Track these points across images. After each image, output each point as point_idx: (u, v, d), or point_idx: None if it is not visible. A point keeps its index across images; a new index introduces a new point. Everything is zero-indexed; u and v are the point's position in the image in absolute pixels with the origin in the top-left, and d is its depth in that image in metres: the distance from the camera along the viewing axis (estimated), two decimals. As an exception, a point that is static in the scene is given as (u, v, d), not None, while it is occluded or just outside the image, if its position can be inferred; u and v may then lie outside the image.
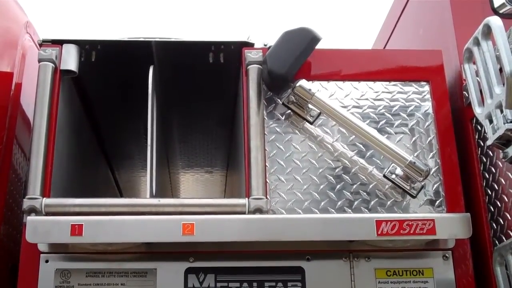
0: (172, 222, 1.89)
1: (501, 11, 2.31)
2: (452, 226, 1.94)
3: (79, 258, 1.99)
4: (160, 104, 2.44)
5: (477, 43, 1.94)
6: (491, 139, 1.87)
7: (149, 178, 2.09)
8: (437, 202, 2.11)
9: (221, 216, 1.93)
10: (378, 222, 1.91)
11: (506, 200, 1.98)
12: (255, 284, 1.98)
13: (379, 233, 1.90)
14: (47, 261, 1.98)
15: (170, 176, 3.55)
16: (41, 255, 1.98)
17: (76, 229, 1.85)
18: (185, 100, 2.74)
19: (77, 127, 2.51)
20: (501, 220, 2.00)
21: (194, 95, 2.70)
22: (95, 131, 2.86)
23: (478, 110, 1.98)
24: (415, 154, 2.14)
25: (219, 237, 1.89)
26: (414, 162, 2.03)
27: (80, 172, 2.57)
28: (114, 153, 3.14)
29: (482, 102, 1.97)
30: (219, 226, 1.90)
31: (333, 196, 2.09)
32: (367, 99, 2.23)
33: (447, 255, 2.05)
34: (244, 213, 1.99)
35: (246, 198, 2.01)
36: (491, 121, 1.88)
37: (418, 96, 2.24)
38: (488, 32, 1.89)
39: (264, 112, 2.18)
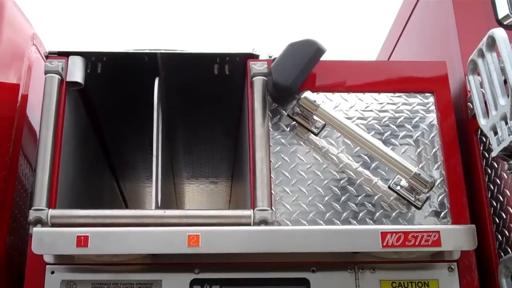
0: (178, 233, 1.89)
1: (505, 23, 2.32)
2: (457, 238, 1.94)
3: (84, 269, 1.99)
4: (165, 115, 2.45)
5: (481, 54, 1.95)
6: (495, 150, 1.88)
7: (154, 189, 2.09)
8: (442, 213, 2.11)
9: (227, 228, 1.94)
10: (383, 234, 1.91)
11: (511, 211, 1.98)
12: (260, 296, 1.98)
13: (384, 244, 1.90)
14: (52, 272, 1.98)
15: (175, 187, 3.55)
16: (47, 266, 1.99)
17: (82, 241, 1.86)
18: (190, 112, 2.75)
19: (82, 138, 2.52)
20: (506, 232, 2.00)
21: (199, 107, 2.70)
22: (100, 142, 2.87)
23: (482, 122, 1.99)
24: (420, 166, 2.14)
25: (225, 248, 1.90)
26: (419, 174, 2.03)
27: (86, 183, 2.58)
28: (119, 163, 3.15)
29: (486, 113, 1.97)
30: (224, 237, 1.90)
31: (338, 207, 2.09)
32: (371, 110, 2.24)
33: (452, 266, 2.05)
34: (249, 224, 1.99)
35: (251, 210, 2.02)
36: (495, 133, 1.89)
37: (423, 108, 2.25)
38: (492, 44, 1.90)
39: (269, 123, 2.18)
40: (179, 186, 3.60)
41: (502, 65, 1.85)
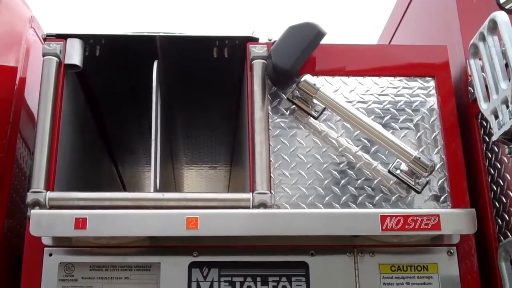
0: (176, 216, 1.88)
1: (506, 7, 2.29)
2: (457, 221, 1.93)
3: (83, 252, 1.98)
4: (164, 99, 2.43)
5: (482, 38, 1.94)
6: (496, 134, 1.87)
7: (153, 173, 2.08)
8: (442, 197, 2.10)
9: (226, 211, 1.93)
10: (383, 217, 1.90)
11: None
12: (258, 279, 1.97)
13: (383, 228, 1.89)
14: (50, 255, 1.98)
15: (174, 172, 3.55)
16: (45, 248, 1.98)
17: (80, 223, 1.85)
18: (189, 95, 2.73)
19: (81, 121, 2.50)
20: (506, 216, 1.99)
21: (198, 90, 2.69)
22: (99, 126, 2.86)
23: (483, 106, 1.98)
24: (420, 150, 2.13)
25: (223, 231, 1.89)
26: (419, 158, 2.02)
27: (84, 167, 2.57)
28: (118, 148, 3.14)
29: (487, 97, 1.96)
30: (223, 220, 1.89)
31: (338, 191, 2.08)
32: (372, 94, 2.23)
33: (451, 250, 2.04)
34: (248, 207, 1.98)
35: (251, 193, 2.01)
36: (496, 117, 1.88)
37: (423, 92, 2.24)
38: (494, 27, 1.88)
39: (269, 107, 2.17)
40: (178, 171, 3.59)
41: (503, 48, 1.84)
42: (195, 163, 3.53)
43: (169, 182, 3.53)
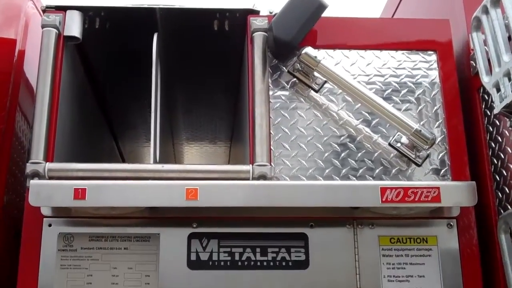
0: (176, 187, 1.87)
1: (510, -20, 2.27)
2: (457, 194, 1.93)
3: (82, 223, 1.98)
4: (164, 72, 2.42)
5: (485, 11, 1.92)
6: (498, 107, 1.86)
7: (152, 144, 2.07)
8: (442, 171, 2.09)
9: (225, 182, 1.92)
10: (383, 189, 1.89)
11: (512, 168, 1.97)
12: (258, 250, 1.98)
13: (383, 200, 1.89)
14: (50, 225, 1.98)
15: (174, 148, 3.54)
16: (44, 219, 1.98)
17: (79, 193, 1.84)
18: (189, 69, 2.72)
19: (80, 94, 2.49)
20: (506, 189, 1.99)
21: (198, 64, 2.67)
22: (98, 100, 2.85)
23: (485, 79, 1.96)
24: (421, 123, 2.12)
25: (223, 202, 1.88)
26: (420, 130, 2.02)
27: (84, 140, 2.57)
28: (118, 122, 3.13)
29: (490, 71, 1.95)
30: (223, 191, 1.89)
31: (338, 164, 2.08)
32: (373, 67, 2.21)
33: (451, 223, 2.04)
34: (248, 179, 1.98)
35: (250, 165, 2.00)
36: (498, 90, 1.87)
37: (425, 65, 2.22)
38: (497, 0, 1.86)
39: (269, 79, 2.16)
40: (178, 147, 3.59)
41: (506, 21, 1.83)
42: (195, 139, 3.52)
43: (169, 158, 3.53)
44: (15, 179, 2.31)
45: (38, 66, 2.12)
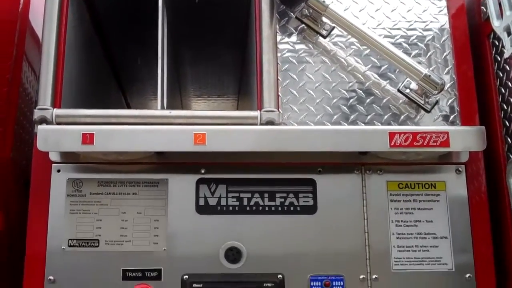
0: (184, 132, 1.87)
1: None
2: (466, 138, 1.91)
3: (90, 168, 1.99)
4: (170, 26, 2.39)
5: (497, -47, 1.89)
6: (508, 51, 1.85)
7: (160, 90, 2.06)
8: (452, 117, 2.08)
9: (233, 127, 1.91)
10: (391, 134, 1.89)
11: (522, 114, 1.96)
12: (266, 195, 1.98)
13: (392, 144, 1.88)
14: (58, 171, 1.98)
15: (182, 103, 3.53)
16: (53, 165, 1.98)
17: (87, 138, 1.84)
18: (196, 22, 2.68)
19: (87, 45, 2.47)
20: (516, 135, 1.98)
21: (205, 17, 2.64)
22: (105, 52, 2.83)
23: (496, 23, 1.95)
24: (430, 69, 2.10)
25: (231, 147, 1.88)
26: (429, 75, 2.00)
27: (91, 92, 2.56)
28: (125, 75, 3.11)
29: (500, 15, 1.92)
30: (230, 136, 1.88)
31: (346, 110, 2.07)
32: (382, 13, 2.18)
33: (460, 169, 2.04)
34: (256, 125, 1.97)
35: (258, 111, 1.99)
36: (509, 34, 1.85)
37: (435, 11, 2.19)
38: None
39: (277, 26, 2.14)
40: (185, 103, 3.58)
41: (518, -37, 1.80)
42: (203, 95, 3.51)
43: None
44: (23, 130, 2.31)
45: (44, 14, 2.11)
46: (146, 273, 1.92)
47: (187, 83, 3.34)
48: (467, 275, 1.96)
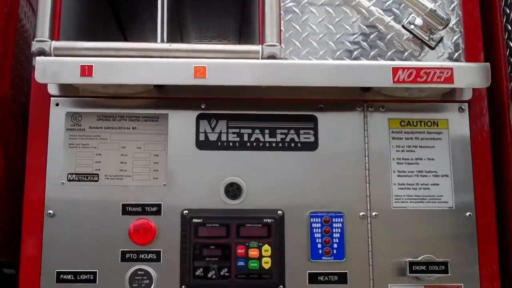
0: (184, 65, 1.84)
1: None
2: (470, 75, 1.88)
3: (90, 102, 1.96)
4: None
5: None
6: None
7: (159, 23, 2.03)
8: (456, 54, 2.04)
9: (234, 60, 1.88)
10: (395, 69, 1.86)
11: (528, 51, 1.92)
12: (267, 131, 1.96)
13: (395, 80, 1.85)
14: (57, 105, 1.96)
15: (183, 45, 3.47)
16: (52, 98, 1.96)
17: (86, 70, 1.82)
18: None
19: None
20: (521, 72, 1.95)
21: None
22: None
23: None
24: (436, 5, 2.05)
25: (232, 81, 1.85)
26: (435, 10, 1.95)
27: (90, 30, 2.51)
28: (125, 16, 3.06)
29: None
30: (231, 69, 1.85)
31: (349, 45, 2.03)
32: None
33: (463, 107, 2.01)
34: (257, 59, 1.94)
35: (260, 45, 1.95)
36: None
37: None
38: None
39: (279, -42, 2.08)
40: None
41: None
42: (204, 37, 3.46)
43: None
44: (21, 67, 2.28)
45: None
46: (146, 208, 1.92)
47: (188, 26, 3.29)
48: (467, 214, 1.96)
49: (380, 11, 2.06)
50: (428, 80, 1.86)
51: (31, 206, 1.91)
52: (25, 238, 1.89)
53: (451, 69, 1.87)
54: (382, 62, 1.98)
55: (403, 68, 1.86)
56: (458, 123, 2.01)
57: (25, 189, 1.92)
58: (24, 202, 1.91)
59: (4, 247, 2.07)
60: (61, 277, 1.87)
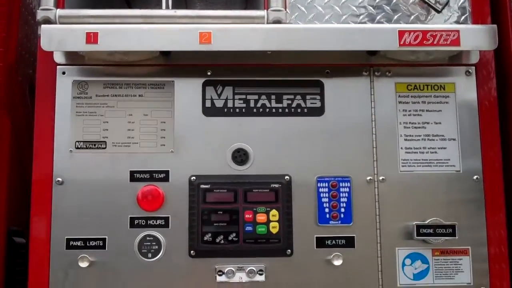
0: (189, 30, 1.83)
1: None
2: (477, 37, 1.87)
3: (96, 70, 1.97)
4: None
5: None
6: None
7: (164, -11, 2.02)
8: (463, 18, 2.03)
9: (239, 25, 1.87)
10: (401, 32, 1.84)
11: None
12: (273, 97, 1.96)
13: (401, 43, 1.84)
14: (64, 73, 1.96)
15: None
16: (58, 67, 1.97)
17: (92, 37, 1.81)
18: None
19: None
20: (528, 34, 1.94)
21: None
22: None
23: None
24: (442, -32, 2.04)
25: (237, 46, 1.84)
26: (441, -28, 1.94)
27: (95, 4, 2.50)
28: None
29: None
30: (237, 35, 1.84)
31: (355, 10, 2.02)
32: None
33: (470, 70, 2.00)
34: (262, 24, 1.93)
35: (265, 10, 1.94)
36: None
37: None
38: None
39: None
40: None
41: None
42: (209, 5, 3.43)
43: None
44: (27, 39, 2.28)
45: None
46: (154, 174, 1.93)
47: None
48: (475, 177, 1.96)
49: (386, -26, 2.05)
50: (435, 43, 1.84)
51: (40, 174, 1.93)
52: (34, 206, 1.91)
53: (458, 31, 1.85)
54: (388, 25, 1.97)
55: (409, 31, 1.84)
56: (465, 86, 2.00)
57: (33, 157, 1.93)
58: (33, 171, 1.93)
59: (15, 216, 2.09)
60: (71, 243, 1.89)
